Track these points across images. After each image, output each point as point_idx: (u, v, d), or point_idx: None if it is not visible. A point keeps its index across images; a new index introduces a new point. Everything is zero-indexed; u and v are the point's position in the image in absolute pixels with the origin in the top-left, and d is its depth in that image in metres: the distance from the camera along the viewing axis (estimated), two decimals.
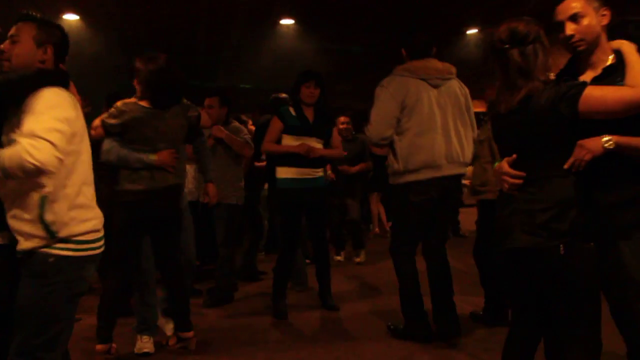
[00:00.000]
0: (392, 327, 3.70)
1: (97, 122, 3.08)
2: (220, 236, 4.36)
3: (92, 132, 3.00)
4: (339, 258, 6.24)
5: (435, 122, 3.47)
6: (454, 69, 3.58)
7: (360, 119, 7.19)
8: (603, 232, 2.15)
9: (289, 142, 3.96)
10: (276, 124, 4.00)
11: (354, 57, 7.86)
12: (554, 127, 2.08)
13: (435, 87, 3.50)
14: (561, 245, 2.02)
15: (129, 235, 3.10)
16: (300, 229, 4.23)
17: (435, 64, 3.51)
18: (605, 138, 2.06)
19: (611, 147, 2.06)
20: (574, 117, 2.02)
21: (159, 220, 3.15)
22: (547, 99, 2.06)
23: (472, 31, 6.51)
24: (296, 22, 6.42)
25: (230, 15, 6.10)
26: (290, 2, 5.72)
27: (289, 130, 3.97)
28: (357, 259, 6.09)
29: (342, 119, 6.22)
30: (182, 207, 3.31)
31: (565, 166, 2.07)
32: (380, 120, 3.45)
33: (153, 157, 3.09)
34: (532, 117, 2.10)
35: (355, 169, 6.04)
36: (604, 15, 2.17)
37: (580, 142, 2.07)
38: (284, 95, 5.22)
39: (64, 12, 5.62)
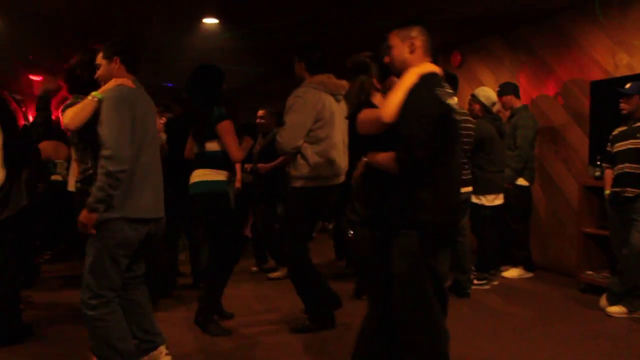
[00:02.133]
0: (299, 328, 3.99)
1: None
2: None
3: None
4: (255, 269, 6.09)
5: (340, 135, 3.80)
6: (347, 85, 3.84)
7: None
8: (386, 226, 2.56)
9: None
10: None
11: (280, 58, 7.82)
12: (354, 141, 2.76)
13: (338, 102, 3.82)
14: (351, 231, 2.66)
15: None
16: None
17: (336, 80, 3.90)
18: (364, 159, 2.59)
19: (364, 165, 2.59)
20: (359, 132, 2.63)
21: None
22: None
23: None
24: (220, 22, 6.29)
25: (151, 12, 5.91)
26: (213, 1, 5.60)
27: None
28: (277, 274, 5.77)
29: (259, 112, 6.01)
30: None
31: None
32: (295, 130, 3.73)
33: None
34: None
35: (271, 165, 5.44)
36: (411, 44, 2.54)
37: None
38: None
39: None
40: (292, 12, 5.93)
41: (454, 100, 2.47)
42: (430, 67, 2.50)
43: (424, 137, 2.31)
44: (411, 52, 2.53)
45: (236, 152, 3.81)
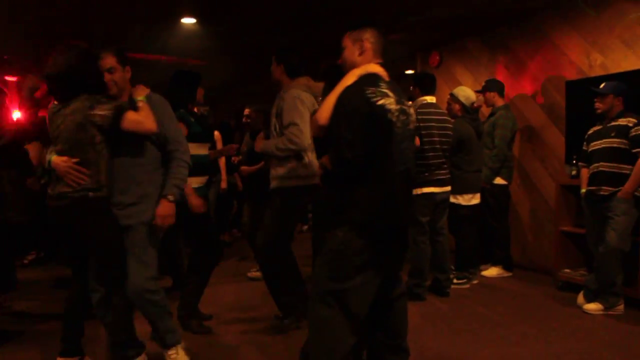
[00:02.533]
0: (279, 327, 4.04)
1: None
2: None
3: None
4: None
5: None
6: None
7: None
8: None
9: (194, 150, 3.85)
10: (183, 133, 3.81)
11: (259, 58, 7.80)
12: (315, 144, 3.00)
13: (319, 104, 3.93)
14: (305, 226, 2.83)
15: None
16: None
17: (315, 82, 3.99)
18: (320, 162, 2.66)
19: (320, 167, 2.66)
20: None
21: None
22: None
23: None
24: (198, 22, 6.25)
25: (129, 12, 5.85)
26: (191, 1, 5.56)
27: (193, 137, 3.82)
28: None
29: (245, 111, 6.11)
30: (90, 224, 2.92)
31: None
32: (307, 128, 3.74)
33: (52, 159, 2.88)
34: None
35: (255, 167, 5.65)
36: (361, 46, 2.57)
37: None
38: None
39: None
40: (270, 13, 5.92)
41: (389, 101, 2.43)
42: (371, 68, 2.53)
43: (350, 138, 2.33)
44: (360, 54, 2.59)
45: None
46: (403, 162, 2.49)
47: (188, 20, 6.20)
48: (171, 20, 6.16)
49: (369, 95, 2.38)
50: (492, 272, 5.74)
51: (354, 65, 2.57)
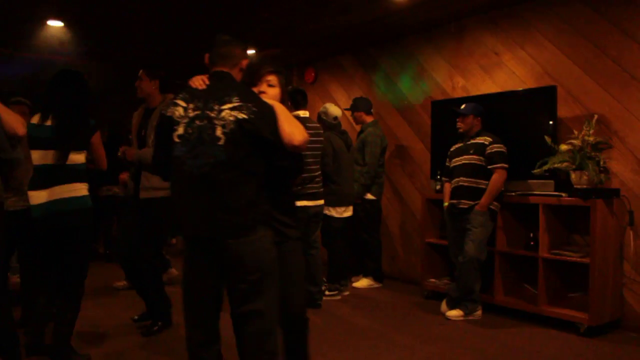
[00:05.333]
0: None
1: None
2: None
3: None
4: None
5: None
6: None
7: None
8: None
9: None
10: None
11: (129, 67, 7.53)
12: None
13: None
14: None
15: None
16: None
17: None
18: None
19: None
20: None
21: None
22: None
23: (250, 52, 6.68)
24: (65, 25, 5.94)
25: None
26: (57, 3, 5.27)
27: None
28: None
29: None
30: None
31: None
32: None
33: None
34: None
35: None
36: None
37: None
38: None
39: None
40: (138, 22, 5.77)
41: (177, 111, 2.47)
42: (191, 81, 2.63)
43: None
44: (240, 70, 2.70)
45: (105, 163, 3.74)
46: (196, 166, 2.38)
47: (54, 23, 5.88)
48: (37, 21, 5.81)
49: (163, 109, 2.59)
50: (363, 283, 5.92)
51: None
